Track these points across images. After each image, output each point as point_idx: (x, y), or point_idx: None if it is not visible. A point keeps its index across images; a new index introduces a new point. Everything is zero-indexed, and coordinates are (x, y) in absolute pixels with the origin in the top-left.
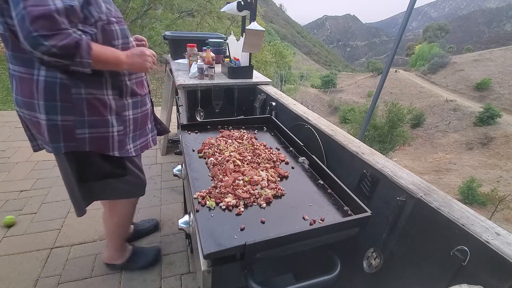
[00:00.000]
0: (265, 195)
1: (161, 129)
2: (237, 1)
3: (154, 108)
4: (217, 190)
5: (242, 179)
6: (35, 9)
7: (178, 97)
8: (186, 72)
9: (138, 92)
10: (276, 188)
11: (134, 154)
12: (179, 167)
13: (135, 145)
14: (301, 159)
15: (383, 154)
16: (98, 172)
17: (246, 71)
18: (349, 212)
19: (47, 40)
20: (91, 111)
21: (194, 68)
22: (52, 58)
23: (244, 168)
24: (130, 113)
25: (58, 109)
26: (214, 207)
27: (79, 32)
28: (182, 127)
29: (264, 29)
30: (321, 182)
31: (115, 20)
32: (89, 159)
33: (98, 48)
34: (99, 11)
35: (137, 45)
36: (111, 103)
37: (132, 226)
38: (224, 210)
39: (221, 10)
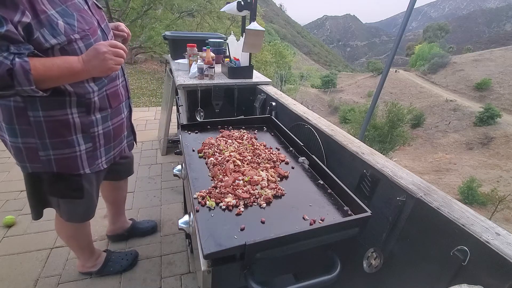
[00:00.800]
0: (265, 195)
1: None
2: (237, 1)
3: (131, 112)
4: (217, 190)
5: (242, 179)
6: None
7: (178, 97)
8: (186, 72)
9: (110, 105)
10: (276, 188)
11: (105, 167)
12: (179, 167)
13: (108, 157)
14: (301, 159)
15: (383, 154)
16: (54, 191)
17: (246, 71)
18: (349, 212)
19: None
20: (53, 133)
21: (194, 68)
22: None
23: (244, 168)
24: (100, 128)
25: (18, 132)
26: (214, 207)
27: (11, 57)
28: (182, 127)
29: (264, 29)
30: (321, 182)
31: (79, 36)
32: (49, 179)
33: (41, 66)
34: (54, 33)
35: (115, 36)
36: (76, 122)
37: (130, 222)
38: (224, 210)
39: (221, 10)
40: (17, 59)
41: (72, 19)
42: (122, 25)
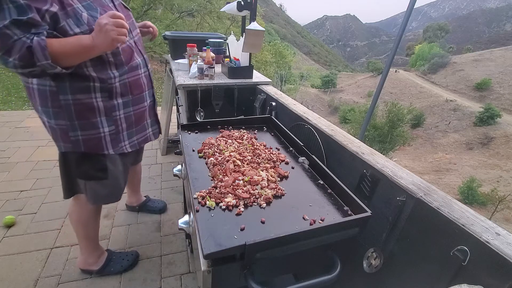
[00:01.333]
0: (265, 195)
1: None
2: (237, 1)
3: (155, 102)
4: (217, 190)
5: (242, 179)
6: None
7: (178, 97)
8: (186, 72)
9: (131, 92)
10: (276, 188)
11: (129, 150)
12: (179, 167)
13: (131, 141)
14: (301, 159)
15: (383, 154)
16: (81, 172)
17: (246, 71)
18: (349, 212)
19: (9, 55)
20: (79, 116)
21: (194, 68)
22: (23, 70)
23: (244, 168)
24: (121, 112)
25: (51, 114)
26: (214, 207)
27: (31, 37)
28: (182, 127)
29: (264, 29)
30: (321, 182)
31: None
32: (77, 160)
33: (56, 43)
34: (78, 23)
35: (142, 34)
36: (100, 105)
37: (144, 198)
38: (224, 210)
39: (221, 10)
40: (35, 38)
41: (95, 12)
42: (149, 23)
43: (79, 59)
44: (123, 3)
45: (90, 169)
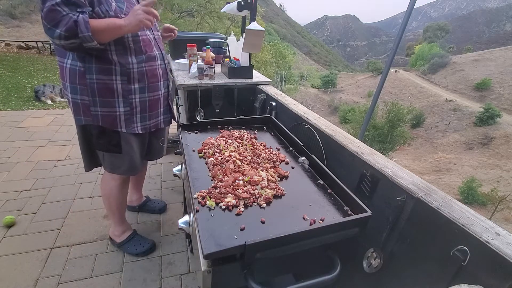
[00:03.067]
0: (265, 195)
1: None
2: (237, 1)
3: (169, 93)
4: (217, 190)
5: (242, 179)
6: (44, 7)
7: (178, 97)
8: (186, 72)
9: (147, 80)
10: (276, 188)
11: (140, 132)
12: (179, 167)
13: (143, 124)
14: (301, 159)
15: (383, 154)
16: (99, 144)
17: (246, 71)
18: (349, 212)
19: (57, 27)
20: (101, 93)
21: (194, 68)
22: (65, 41)
23: (244, 168)
24: (137, 96)
25: (78, 90)
26: (214, 207)
27: (77, 14)
28: (182, 127)
29: (264, 29)
30: (321, 182)
31: (124, 16)
32: (96, 133)
33: (96, 21)
34: (108, 9)
35: (164, 37)
36: (118, 88)
37: (144, 198)
38: (224, 210)
39: (221, 11)
40: (80, 15)
41: (122, 4)
42: (171, 26)
43: (111, 35)
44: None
45: (106, 143)
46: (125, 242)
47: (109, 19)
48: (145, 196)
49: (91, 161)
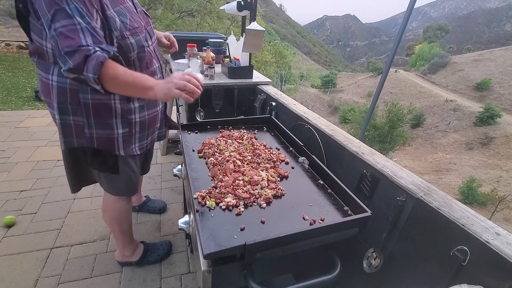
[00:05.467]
0: (265, 195)
1: (172, 125)
2: (237, 1)
3: (166, 107)
4: (217, 190)
5: (242, 179)
6: (58, 24)
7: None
8: None
9: None
10: (276, 188)
11: (138, 153)
12: (179, 167)
13: (141, 144)
14: (301, 159)
15: (383, 154)
16: (95, 163)
17: (246, 71)
18: (349, 212)
19: (71, 57)
20: (98, 114)
21: (189, 69)
22: (70, 74)
23: (244, 168)
24: (137, 116)
25: (70, 111)
26: (214, 207)
27: (96, 48)
28: (182, 127)
29: (264, 29)
30: (321, 182)
31: (129, 33)
32: (90, 152)
33: (120, 69)
34: (114, 27)
35: (160, 43)
36: (117, 107)
37: (144, 198)
38: (224, 210)
39: (220, 8)
40: (98, 52)
41: (125, 18)
42: (172, 38)
43: (129, 92)
44: (144, 10)
45: (102, 163)
46: (143, 257)
47: (141, 75)
48: (145, 196)
49: (80, 180)
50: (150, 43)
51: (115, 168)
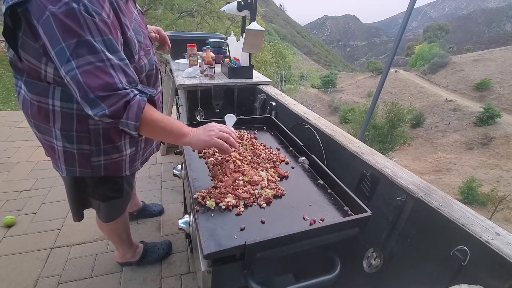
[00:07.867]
0: (265, 195)
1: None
2: (237, 1)
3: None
4: (217, 190)
5: (242, 179)
6: (89, 68)
7: (178, 97)
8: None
9: None
10: (276, 188)
11: (140, 168)
12: (179, 167)
13: (142, 159)
14: (301, 159)
15: (383, 154)
16: (99, 194)
17: (246, 71)
18: (349, 212)
19: (104, 101)
20: (108, 139)
21: (190, 69)
22: (106, 119)
23: (244, 168)
24: None
25: (74, 139)
26: (214, 207)
27: (135, 91)
28: None
29: (264, 29)
30: (321, 182)
31: (143, 53)
32: (94, 182)
33: (158, 115)
34: (134, 51)
35: (159, 38)
36: None
37: (141, 203)
38: (224, 210)
39: (221, 9)
40: (138, 96)
41: (140, 36)
42: (161, 31)
43: (162, 137)
44: (140, 9)
45: (107, 191)
46: (143, 257)
47: (177, 122)
48: (141, 201)
49: (81, 211)
50: (154, 58)
51: (120, 192)
